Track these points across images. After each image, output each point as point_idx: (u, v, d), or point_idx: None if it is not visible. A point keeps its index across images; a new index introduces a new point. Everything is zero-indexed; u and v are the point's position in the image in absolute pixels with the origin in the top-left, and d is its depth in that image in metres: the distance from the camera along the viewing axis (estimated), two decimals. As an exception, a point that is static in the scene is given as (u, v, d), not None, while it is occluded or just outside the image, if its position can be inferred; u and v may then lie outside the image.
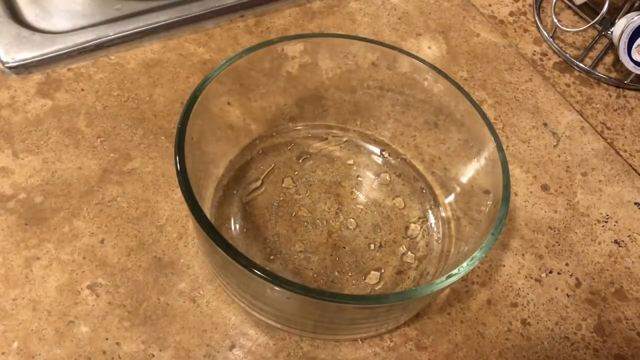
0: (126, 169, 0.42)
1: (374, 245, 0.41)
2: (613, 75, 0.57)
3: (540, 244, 0.44)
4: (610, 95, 0.56)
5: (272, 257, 0.39)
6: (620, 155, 0.51)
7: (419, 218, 0.43)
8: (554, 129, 0.52)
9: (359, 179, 0.44)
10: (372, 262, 0.40)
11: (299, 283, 0.29)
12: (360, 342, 0.37)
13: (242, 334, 0.36)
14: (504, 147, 0.37)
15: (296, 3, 0.57)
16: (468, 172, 0.41)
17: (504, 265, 0.42)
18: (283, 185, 0.43)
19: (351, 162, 0.45)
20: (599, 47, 0.59)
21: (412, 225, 0.42)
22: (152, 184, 0.42)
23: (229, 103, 0.41)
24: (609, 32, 0.58)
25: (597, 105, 0.55)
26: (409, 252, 0.41)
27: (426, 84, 0.42)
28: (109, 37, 0.49)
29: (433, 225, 0.42)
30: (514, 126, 0.51)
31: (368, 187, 0.44)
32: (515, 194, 0.46)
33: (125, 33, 0.49)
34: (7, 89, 0.46)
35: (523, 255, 0.43)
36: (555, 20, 0.57)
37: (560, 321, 0.40)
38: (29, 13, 0.50)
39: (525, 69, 0.56)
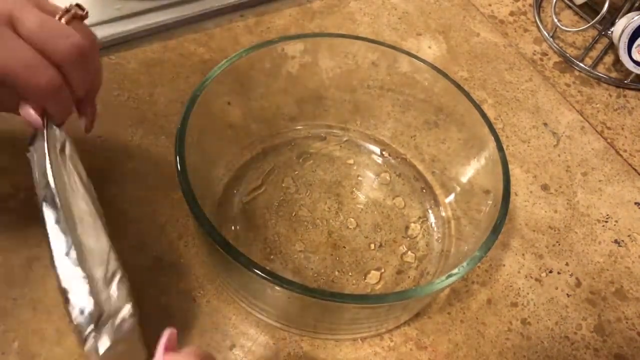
0: (126, 169, 0.42)
1: (374, 244, 0.41)
2: (613, 75, 0.57)
3: (540, 243, 0.44)
4: (610, 95, 0.56)
5: (272, 257, 0.39)
6: (620, 155, 0.51)
7: (419, 218, 0.43)
8: (554, 128, 0.52)
9: (359, 178, 0.44)
10: (372, 261, 0.40)
11: (300, 283, 0.29)
12: (361, 342, 0.37)
13: (242, 334, 0.36)
14: (504, 147, 0.37)
15: (296, 3, 0.57)
16: (468, 172, 0.41)
17: (504, 265, 0.42)
18: (283, 185, 0.43)
19: (351, 161, 0.45)
20: (599, 47, 0.59)
21: (412, 225, 0.42)
22: (152, 184, 0.42)
23: (229, 103, 0.41)
24: (609, 32, 0.58)
25: (597, 105, 0.55)
26: (409, 252, 0.41)
27: (426, 83, 0.42)
28: (109, 37, 0.49)
29: (433, 224, 0.42)
30: (514, 126, 0.51)
31: (368, 187, 0.44)
32: (515, 194, 0.46)
33: (125, 33, 0.49)
34: (7, 89, 0.46)
35: (523, 255, 0.43)
36: (556, 20, 0.57)
37: (560, 321, 0.40)
38: (29, 13, 0.50)
39: (525, 69, 0.56)
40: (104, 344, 0.27)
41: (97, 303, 0.27)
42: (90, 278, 0.28)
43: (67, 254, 0.28)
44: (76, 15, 0.30)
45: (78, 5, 0.31)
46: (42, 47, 0.28)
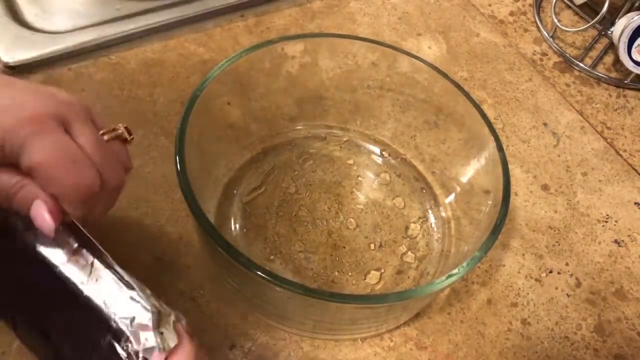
0: (126, 169, 0.42)
1: (374, 245, 0.41)
2: (613, 75, 0.57)
3: (540, 243, 0.44)
4: (610, 95, 0.56)
5: (272, 257, 0.39)
6: (620, 155, 0.51)
7: (419, 218, 0.43)
8: (554, 128, 0.52)
9: (359, 178, 0.44)
10: (372, 262, 0.40)
11: (299, 283, 0.29)
12: (361, 342, 0.37)
13: (242, 334, 0.36)
14: (504, 147, 0.37)
15: (296, 3, 0.57)
16: (468, 172, 0.41)
17: (504, 265, 0.42)
18: (283, 185, 0.43)
19: (351, 162, 0.45)
20: (599, 46, 0.59)
21: (412, 225, 0.42)
22: (152, 184, 0.42)
23: (229, 103, 0.41)
24: (609, 32, 0.58)
25: (597, 105, 0.55)
26: (409, 252, 0.41)
27: (426, 83, 0.42)
28: (109, 37, 0.49)
29: (433, 225, 0.42)
30: (514, 126, 0.51)
31: (368, 187, 0.44)
32: (515, 194, 0.46)
33: (125, 33, 0.49)
34: (7, 89, 0.46)
35: (523, 255, 0.43)
36: (555, 20, 0.57)
37: (560, 321, 0.40)
38: (29, 13, 0.50)
39: (525, 69, 0.56)
40: (172, 338, 0.26)
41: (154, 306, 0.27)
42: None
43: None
44: (120, 137, 0.29)
45: (127, 129, 0.30)
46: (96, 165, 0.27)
